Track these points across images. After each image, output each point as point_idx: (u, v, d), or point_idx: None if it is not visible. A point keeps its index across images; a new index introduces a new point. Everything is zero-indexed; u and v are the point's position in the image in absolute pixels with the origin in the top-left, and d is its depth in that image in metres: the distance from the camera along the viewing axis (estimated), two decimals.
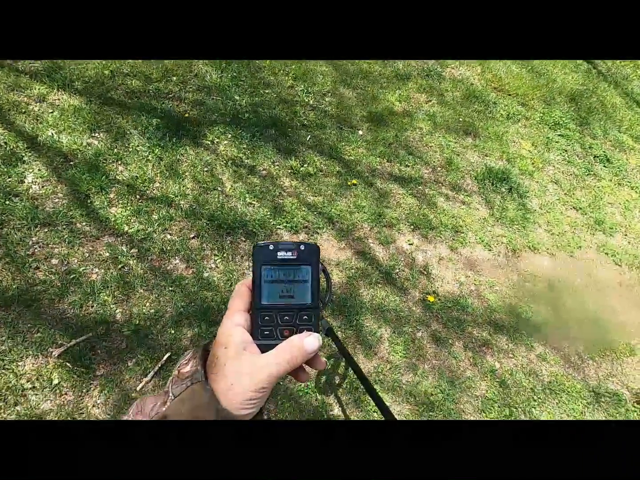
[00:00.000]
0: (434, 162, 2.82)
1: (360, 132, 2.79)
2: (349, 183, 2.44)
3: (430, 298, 2.07)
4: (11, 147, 2.00)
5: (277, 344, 0.39)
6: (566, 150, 3.34)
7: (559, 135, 3.46)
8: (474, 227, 2.52)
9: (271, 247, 0.41)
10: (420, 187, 2.62)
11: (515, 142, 3.24)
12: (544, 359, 2.09)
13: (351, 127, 2.80)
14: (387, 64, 3.43)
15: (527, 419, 1.85)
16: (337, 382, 1.75)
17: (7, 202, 1.83)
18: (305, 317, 0.41)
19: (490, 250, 2.44)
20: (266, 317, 0.41)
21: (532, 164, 3.11)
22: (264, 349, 0.39)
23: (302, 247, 0.42)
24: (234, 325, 0.39)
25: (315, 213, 2.24)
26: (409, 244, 2.30)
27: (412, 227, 2.38)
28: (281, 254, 0.41)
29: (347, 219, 2.27)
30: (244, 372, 0.37)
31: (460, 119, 3.20)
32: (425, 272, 2.20)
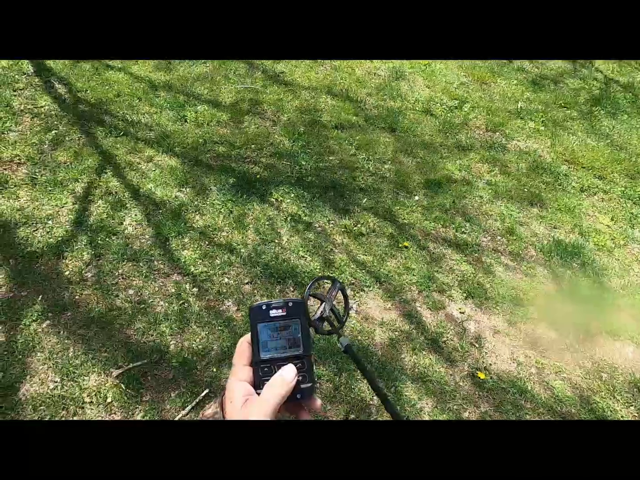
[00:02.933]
0: (493, 230, 2.74)
1: (417, 197, 2.87)
2: (400, 245, 2.48)
3: (481, 375, 1.90)
4: (120, 196, 2.48)
5: None
6: None
7: None
8: (538, 302, 2.32)
9: (264, 307, 0.48)
10: (476, 255, 2.54)
11: (590, 216, 3.01)
12: None
13: (408, 192, 2.91)
14: (448, 135, 3.58)
15: None
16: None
17: (107, 239, 2.22)
18: (299, 365, 0.47)
19: (557, 330, 2.19)
20: (265, 369, 0.46)
21: (612, 239, 2.83)
22: None
23: (290, 304, 0.48)
24: (237, 381, 0.45)
25: (363, 271, 2.29)
26: (461, 312, 2.19)
27: (465, 294, 2.28)
28: (273, 312, 0.47)
29: (396, 280, 2.27)
30: (251, 414, 0.42)
31: (525, 189, 3.12)
32: (477, 345, 2.04)
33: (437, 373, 1.89)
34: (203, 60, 3.83)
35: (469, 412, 1.79)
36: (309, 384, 0.47)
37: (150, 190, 2.55)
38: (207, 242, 2.31)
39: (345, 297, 1.23)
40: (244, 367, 0.46)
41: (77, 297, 1.95)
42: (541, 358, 2.04)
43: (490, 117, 3.90)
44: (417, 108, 3.87)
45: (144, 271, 2.10)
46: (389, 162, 3.15)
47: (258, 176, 2.80)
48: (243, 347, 0.47)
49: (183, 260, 2.19)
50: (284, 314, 0.47)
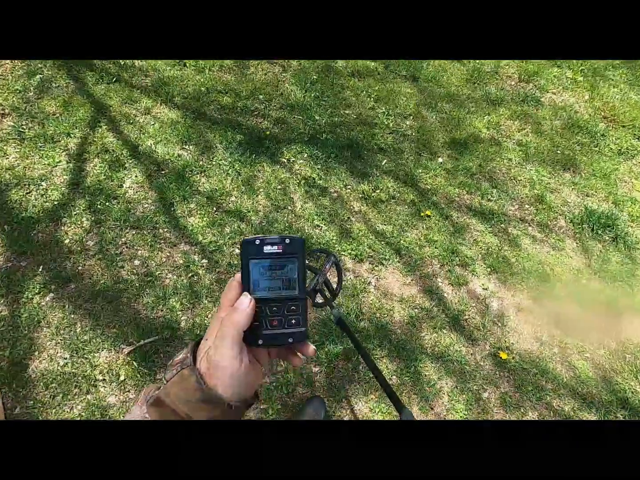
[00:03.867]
0: (521, 197, 2.54)
1: (441, 160, 2.63)
2: (422, 214, 2.30)
3: (503, 355, 1.84)
4: (117, 154, 2.25)
5: (267, 334, 0.43)
6: None
7: None
8: (565, 278, 2.20)
9: (258, 242, 0.43)
10: (502, 225, 2.37)
11: (626, 183, 2.78)
12: None
13: (431, 153, 2.66)
14: (477, 86, 3.21)
15: None
16: (349, 375, 1.62)
17: (107, 204, 2.05)
18: (293, 307, 0.44)
19: (582, 307, 2.10)
20: (255, 309, 0.42)
21: None
22: (251, 339, 0.42)
23: (287, 241, 0.43)
24: (218, 319, 0.42)
25: (382, 242, 2.14)
26: (484, 289, 2.08)
27: (488, 269, 2.15)
28: (267, 248, 0.43)
29: (416, 253, 2.14)
30: (215, 349, 0.41)
31: (559, 151, 2.85)
32: (500, 323, 1.96)
33: (458, 352, 1.83)
34: None
35: (489, 393, 1.76)
36: (302, 329, 0.44)
37: (150, 148, 2.32)
38: (214, 208, 2.14)
39: (339, 270, 1.19)
40: (228, 308, 0.43)
41: (79, 267, 1.83)
42: (565, 337, 1.97)
43: (524, 65, 3.48)
44: None
45: (149, 240, 1.96)
46: (411, 117, 2.85)
47: (267, 132, 2.54)
48: (232, 286, 0.44)
49: (190, 229, 2.04)
50: (280, 251, 0.43)
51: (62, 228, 1.94)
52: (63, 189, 2.07)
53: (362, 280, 2.00)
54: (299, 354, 0.46)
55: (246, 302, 0.42)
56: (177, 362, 0.43)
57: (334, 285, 1.14)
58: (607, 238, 2.41)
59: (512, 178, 2.63)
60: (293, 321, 0.44)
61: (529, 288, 2.12)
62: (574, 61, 3.65)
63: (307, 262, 1.12)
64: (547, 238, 2.36)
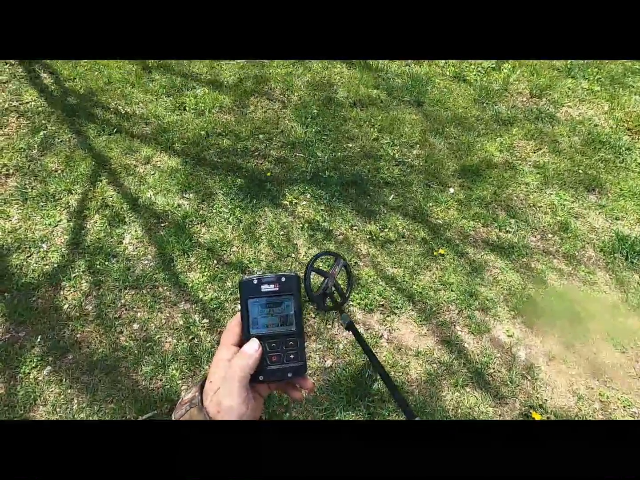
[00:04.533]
0: (543, 226, 2.35)
1: (452, 190, 2.49)
2: (435, 253, 2.15)
3: (536, 415, 1.64)
4: (117, 208, 2.22)
5: (267, 370, 0.45)
6: None
7: None
8: (600, 318, 1.99)
9: (255, 281, 0.45)
10: (524, 260, 2.18)
11: None
12: None
13: (441, 184, 2.51)
14: (486, 106, 3.07)
15: None
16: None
17: (107, 263, 2.01)
18: (291, 342, 0.46)
19: (624, 352, 1.88)
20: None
21: None
22: (253, 376, 0.44)
23: (283, 279, 0.45)
24: (221, 360, 0.44)
25: (393, 288, 2.00)
26: (508, 336, 1.90)
27: (512, 312, 1.97)
28: (264, 287, 0.45)
29: (431, 298, 1.98)
30: (221, 393, 0.42)
31: (580, 171, 2.66)
32: (529, 376, 1.77)
33: (484, 414, 1.65)
34: None
35: None
36: (301, 363, 0.46)
37: (150, 199, 2.28)
38: (215, 261, 2.05)
39: (349, 273, 1.15)
40: (230, 347, 0.45)
41: (78, 335, 1.77)
42: (606, 389, 1.76)
43: (535, 79, 3.32)
44: (447, 73, 3.33)
45: (148, 300, 1.89)
46: (417, 145, 2.73)
47: (269, 174, 2.47)
48: (232, 325, 0.46)
49: (190, 285, 1.96)
50: (277, 289, 0.46)
51: (61, 292, 1.90)
52: (63, 249, 2.04)
53: (374, 333, 1.85)
54: (298, 386, 0.48)
55: (254, 347, 0.44)
56: (186, 402, 0.45)
57: (341, 291, 1.14)
58: None
59: (531, 205, 2.45)
60: (292, 356, 0.46)
61: (560, 332, 1.92)
62: (589, 70, 3.46)
63: (315, 265, 1.11)
64: (576, 271, 2.16)
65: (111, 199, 2.27)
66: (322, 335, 1.83)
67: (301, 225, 2.23)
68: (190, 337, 1.79)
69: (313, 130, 2.75)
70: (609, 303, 2.05)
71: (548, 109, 3.08)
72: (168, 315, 1.86)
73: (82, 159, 2.45)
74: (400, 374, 1.74)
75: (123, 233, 2.13)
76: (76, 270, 1.97)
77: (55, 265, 1.98)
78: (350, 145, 2.69)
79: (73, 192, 2.29)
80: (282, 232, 2.19)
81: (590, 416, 1.68)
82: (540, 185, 2.55)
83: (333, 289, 1.13)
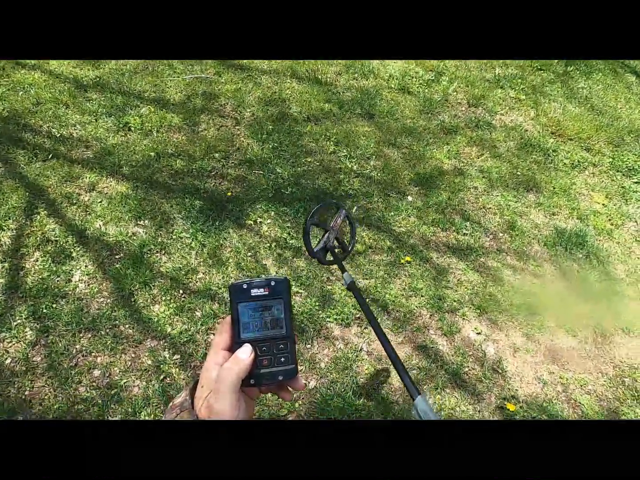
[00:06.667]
0: (494, 227, 2.54)
1: (410, 198, 2.60)
2: (402, 260, 2.22)
3: (510, 406, 1.75)
4: (61, 243, 2.01)
5: (258, 373, 0.45)
6: None
7: (636, 182, 3.05)
8: (551, 306, 2.18)
9: (245, 286, 0.46)
10: (482, 260, 2.34)
11: (585, 196, 2.88)
12: None
13: (399, 192, 2.61)
14: (430, 116, 3.26)
15: None
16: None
17: (54, 305, 1.80)
18: (282, 346, 0.46)
19: (575, 335, 2.08)
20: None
21: (609, 220, 2.73)
22: (244, 380, 0.44)
23: (273, 283, 0.46)
24: (213, 365, 0.44)
25: (367, 300, 2.02)
26: (477, 333, 2.01)
27: (478, 311, 2.09)
28: (254, 291, 0.46)
29: (404, 306, 2.04)
30: (214, 398, 0.42)
31: (519, 173, 2.92)
32: (500, 370, 1.88)
33: (465, 413, 1.72)
34: None
35: None
36: (292, 366, 0.46)
37: (99, 230, 2.09)
38: (181, 291, 1.93)
39: (352, 224, 1.12)
40: (221, 351, 0.45)
41: (27, 392, 1.56)
42: (564, 372, 1.93)
43: (470, 90, 3.60)
44: (392, 86, 3.49)
45: (109, 342, 1.72)
46: (374, 157, 2.81)
47: (229, 193, 2.39)
48: (223, 329, 0.46)
49: (155, 320, 1.81)
50: (266, 293, 0.46)
51: (1, 345, 1.66)
52: None
53: (353, 347, 1.86)
54: (289, 387, 0.48)
55: (247, 353, 0.44)
56: (177, 405, 0.44)
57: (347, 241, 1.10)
58: (580, 256, 2.45)
59: (481, 207, 2.64)
60: (282, 359, 0.46)
61: (520, 324, 2.07)
62: (514, 81, 3.84)
63: (314, 218, 1.05)
64: (526, 266, 2.36)
65: (53, 232, 2.04)
66: (303, 355, 1.79)
67: (268, 244, 2.18)
68: (162, 377, 1.66)
69: (270, 146, 2.72)
70: (557, 292, 2.26)
71: (485, 117, 3.35)
72: (133, 355, 1.71)
73: (12, 190, 2.18)
74: (383, 385, 1.75)
75: (71, 270, 1.93)
76: (17, 318, 1.74)
77: None
78: (309, 160, 2.70)
79: (5, 228, 2.02)
80: (249, 254, 2.12)
81: (555, 399, 1.83)
82: (487, 188, 2.76)
83: (335, 242, 1.05)
